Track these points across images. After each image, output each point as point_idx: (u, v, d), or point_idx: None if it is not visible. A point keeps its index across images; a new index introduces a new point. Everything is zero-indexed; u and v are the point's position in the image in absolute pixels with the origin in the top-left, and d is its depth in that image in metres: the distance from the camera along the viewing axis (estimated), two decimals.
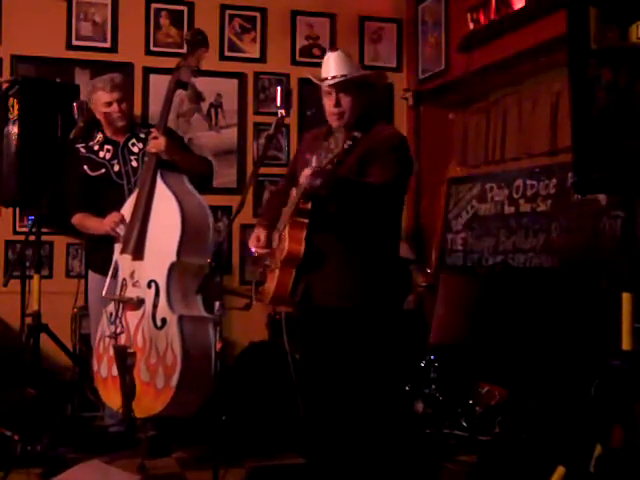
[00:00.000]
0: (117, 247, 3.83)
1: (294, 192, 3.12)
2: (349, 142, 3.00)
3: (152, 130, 3.88)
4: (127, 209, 3.82)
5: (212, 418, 3.11)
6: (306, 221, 3.02)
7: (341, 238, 3.07)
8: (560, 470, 2.61)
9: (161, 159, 3.80)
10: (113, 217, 3.81)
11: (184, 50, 4.06)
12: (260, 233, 3.28)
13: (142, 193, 3.75)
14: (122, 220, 3.79)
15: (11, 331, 4.62)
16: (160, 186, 3.74)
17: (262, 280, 3.30)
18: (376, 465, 3.09)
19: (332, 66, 3.12)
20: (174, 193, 3.71)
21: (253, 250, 3.28)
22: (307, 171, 2.88)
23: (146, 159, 3.91)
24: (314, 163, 2.85)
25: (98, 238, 3.94)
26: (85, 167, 4.02)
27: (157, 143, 3.79)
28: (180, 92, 4.17)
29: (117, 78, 4.05)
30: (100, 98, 3.97)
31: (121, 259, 3.78)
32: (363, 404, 3.05)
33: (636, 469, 2.51)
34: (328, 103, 3.16)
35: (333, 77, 3.10)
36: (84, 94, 4.38)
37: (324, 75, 3.14)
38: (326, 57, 3.18)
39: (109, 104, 3.97)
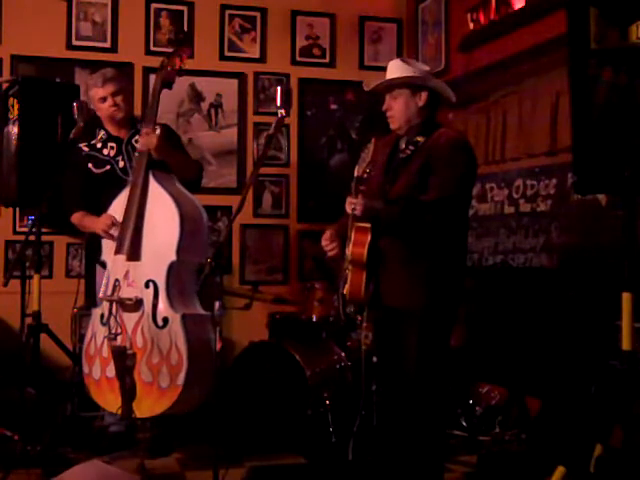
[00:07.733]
0: (105, 248, 3.80)
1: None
2: (411, 147, 3.09)
3: (143, 128, 3.79)
4: (117, 209, 3.77)
5: (212, 418, 3.11)
6: (369, 225, 3.03)
7: (403, 242, 3.07)
8: (560, 470, 2.61)
9: (152, 159, 3.75)
10: (105, 219, 3.76)
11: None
12: (328, 231, 3.26)
13: (134, 193, 3.70)
14: (114, 223, 3.74)
15: (11, 331, 4.63)
16: (153, 185, 3.71)
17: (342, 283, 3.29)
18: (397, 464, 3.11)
19: (388, 72, 3.14)
20: (169, 192, 3.68)
21: (328, 250, 3.24)
22: (348, 207, 3.01)
23: (136, 155, 3.86)
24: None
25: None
26: (90, 165, 4.02)
27: (149, 140, 3.72)
28: (179, 91, 4.17)
29: (109, 72, 4.05)
30: (95, 94, 3.99)
31: (114, 260, 3.71)
32: (420, 405, 3.06)
33: (636, 469, 2.51)
34: (384, 107, 3.18)
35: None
36: (84, 94, 4.38)
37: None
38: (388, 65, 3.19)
39: (103, 99, 3.98)
